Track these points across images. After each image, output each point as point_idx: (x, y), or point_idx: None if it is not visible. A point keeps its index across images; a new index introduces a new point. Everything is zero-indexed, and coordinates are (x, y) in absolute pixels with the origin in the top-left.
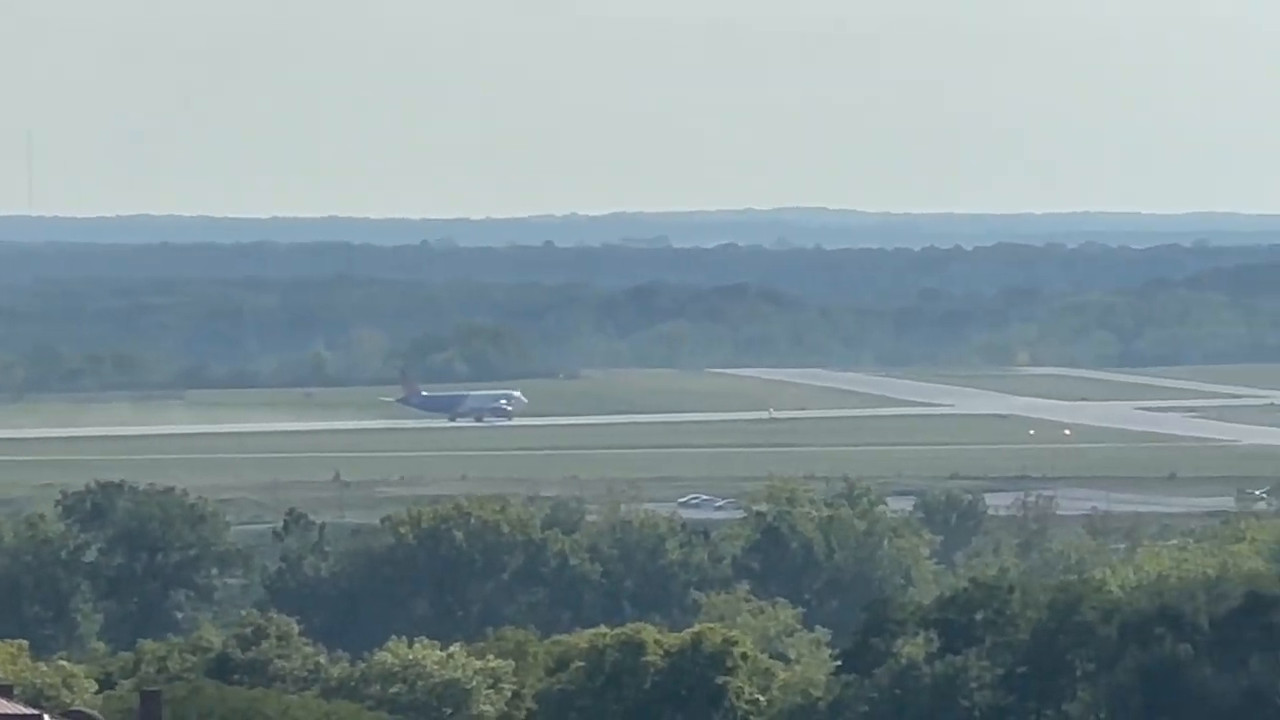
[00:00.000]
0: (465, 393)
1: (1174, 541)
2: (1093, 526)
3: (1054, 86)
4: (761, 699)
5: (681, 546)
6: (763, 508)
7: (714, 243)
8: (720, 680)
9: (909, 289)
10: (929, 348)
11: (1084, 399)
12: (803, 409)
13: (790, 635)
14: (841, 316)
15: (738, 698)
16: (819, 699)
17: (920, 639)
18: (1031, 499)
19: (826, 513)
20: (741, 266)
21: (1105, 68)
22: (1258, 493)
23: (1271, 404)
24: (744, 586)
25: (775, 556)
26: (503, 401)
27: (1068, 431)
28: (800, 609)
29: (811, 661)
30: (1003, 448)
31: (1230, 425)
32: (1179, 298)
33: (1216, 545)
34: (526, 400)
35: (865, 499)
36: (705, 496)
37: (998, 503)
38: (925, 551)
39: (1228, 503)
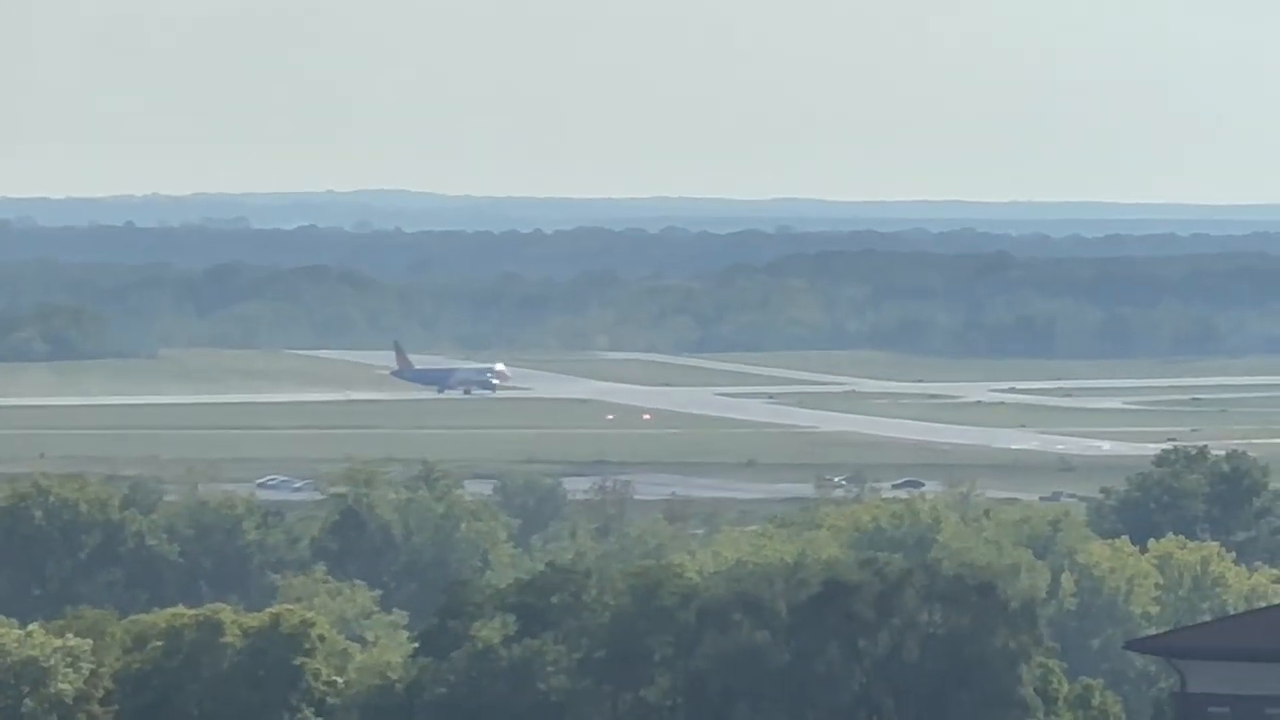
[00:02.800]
0: (454, 366)
1: (753, 528)
2: (671, 512)
3: (637, 70)
4: (339, 680)
5: (259, 527)
6: (341, 489)
7: (294, 224)
8: (298, 661)
9: (489, 272)
10: (508, 331)
11: (664, 384)
12: (381, 391)
13: (368, 617)
14: (421, 299)
15: (315, 679)
16: (396, 681)
17: (497, 622)
18: (610, 484)
19: (405, 495)
20: (322, 248)
21: (683, 52)
22: (836, 479)
23: (851, 390)
24: (321, 568)
25: (353, 538)
26: (489, 375)
27: (647, 416)
28: (378, 591)
29: (389, 643)
30: (581, 432)
31: (810, 412)
32: (759, 284)
33: (795, 532)
34: (510, 375)
35: (443, 482)
36: (283, 477)
37: (576, 487)
38: (503, 535)
39: (806, 489)
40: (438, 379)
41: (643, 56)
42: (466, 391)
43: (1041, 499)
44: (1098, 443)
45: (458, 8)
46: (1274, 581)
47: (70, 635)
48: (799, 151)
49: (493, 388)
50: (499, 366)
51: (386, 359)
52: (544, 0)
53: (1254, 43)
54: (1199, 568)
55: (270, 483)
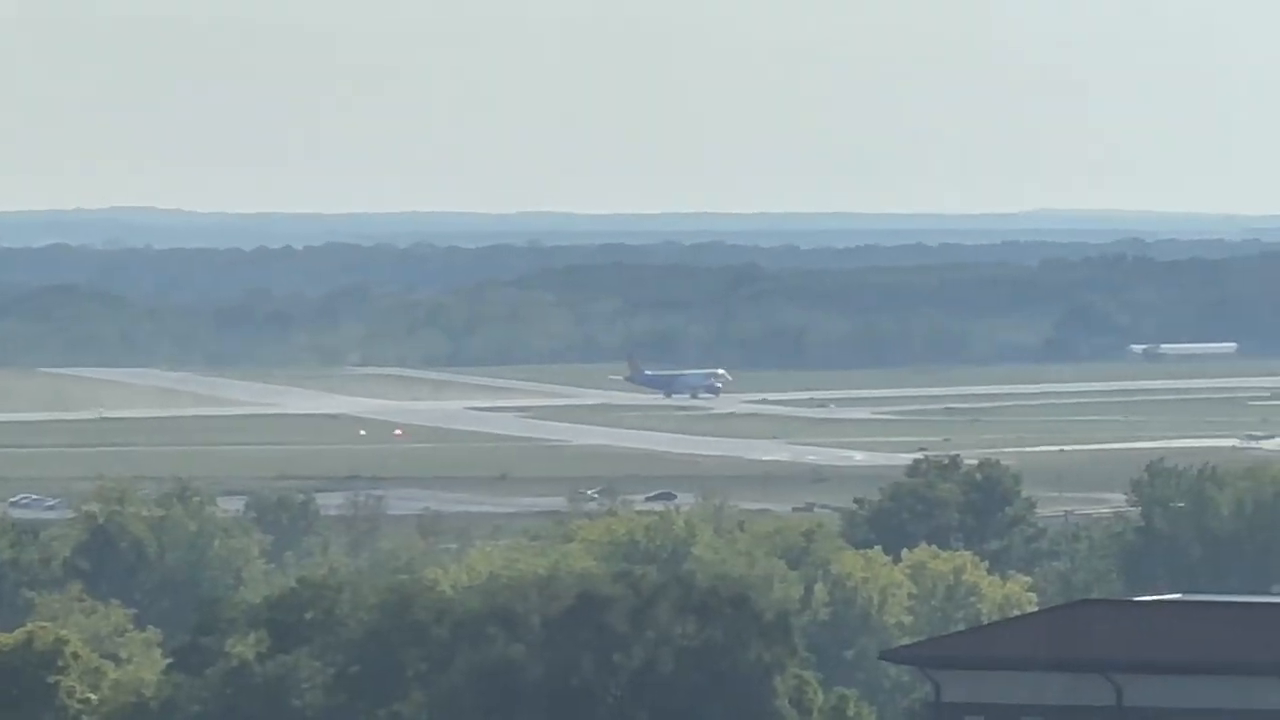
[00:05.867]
0: (681, 372)
1: (506, 542)
2: (424, 527)
3: (385, 86)
4: (93, 698)
5: (12, 546)
6: (93, 508)
7: (44, 242)
8: (52, 679)
9: (239, 288)
10: (258, 347)
11: (414, 399)
12: (133, 409)
13: (122, 635)
14: (171, 316)
15: (69, 697)
16: (150, 698)
17: (251, 638)
18: (362, 499)
19: (158, 513)
20: (71, 266)
21: (430, 67)
22: (590, 493)
23: (603, 403)
24: (76, 586)
25: (106, 557)
26: (712, 379)
27: (398, 431)
28: (132, 609)
29: (143, 661)
30: (333, 448)
31: (561, 425)
32: (509, 297)
33: (548, 545)
34: (732, 379)
35: (196, 499)
36: (35, 496)
37: (329, 503)
38: (256, 551)
39: (560, 503)
40: (665, 384)
41: (389, 73)
42: (693, 395)
43: (794, 510)
44: (850, 453)
45: (195, 30)
46: (1027, 590)
47: None
48: (547, 165)
49: (716, 391)
50: (720, 371)
51: (139, 375)
52: (284, 21)
53: (996, 54)
54: (952, 577)
55: (23, 501)
